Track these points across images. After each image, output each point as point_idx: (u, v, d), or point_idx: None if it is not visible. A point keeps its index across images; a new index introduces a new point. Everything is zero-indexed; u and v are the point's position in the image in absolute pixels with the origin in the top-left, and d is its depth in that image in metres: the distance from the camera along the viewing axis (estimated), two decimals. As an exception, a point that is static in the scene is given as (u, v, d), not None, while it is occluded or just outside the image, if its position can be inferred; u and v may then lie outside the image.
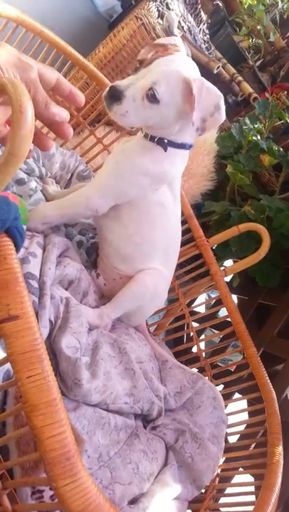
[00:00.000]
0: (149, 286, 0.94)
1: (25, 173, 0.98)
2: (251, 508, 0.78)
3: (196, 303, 1.40)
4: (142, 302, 0.96)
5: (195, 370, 1.12)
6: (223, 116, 0.78)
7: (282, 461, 0.89)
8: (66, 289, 0.88)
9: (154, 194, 0.89)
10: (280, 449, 0.91)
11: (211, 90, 0.76)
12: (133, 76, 0.77)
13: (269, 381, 1.03)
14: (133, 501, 0.74)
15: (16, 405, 0.45)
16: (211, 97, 0.76)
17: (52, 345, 0.76)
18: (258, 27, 2.28)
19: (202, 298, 1.43)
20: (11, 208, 0.39)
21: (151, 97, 0.75)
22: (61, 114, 0.56)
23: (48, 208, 0.91)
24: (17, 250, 0.44)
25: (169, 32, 1.46)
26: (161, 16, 1.53)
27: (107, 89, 0.77)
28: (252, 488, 0.90)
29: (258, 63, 2.45)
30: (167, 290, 1.02)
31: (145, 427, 0.90)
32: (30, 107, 0.37)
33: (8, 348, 0.42)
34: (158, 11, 1.51)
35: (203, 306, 1.41)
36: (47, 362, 0.44)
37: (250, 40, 2.38)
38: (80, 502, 0.41)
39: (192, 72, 0.78)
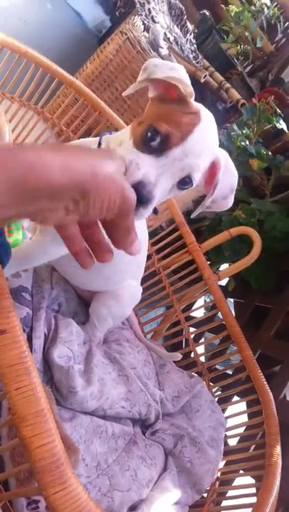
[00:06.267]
0: (126, 301, 0.96)
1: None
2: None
3: (194, 307, 1.41)
4: (121, 314, 1.00)
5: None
6: (232, 200, 0.67)
7: (280, 462, 0.89)
8: (58, 311, 0.91)
9: None
10: (278, 449, 0.92)
11: (231, 168, 0.64)
12: (157, 159, 0.55)
13: (266, 383, 1.04)
14: (133, 508, 0.76)
15: (6, 417, 0.47)
16: (230, 178, 0.64)
17: (45, 356, 0.78)
18: (246, 33, 2.32)
19: (201, 302, 1.45)
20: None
21: (185, 184, 0.58)
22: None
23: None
24: (2, 265, 0.46)
25: (154, 44, 1.49)
26: (147, 29, 1.56)
27: (132, 187, 0.47)
28: (253, 490, 0.91)
29: (247, 69, 2.48)
30: (140, 295, 1.04)
31: (144, 433, 0.92)
32: None
33: (-5, 361, 0.44)
34: (143, 24, 1.54)
35: (201, 310, 1.43)
36: (34, 374, 0.46)
37: (239, 47, 2.41)
38: (71, 509, 0.43)
39: (216, 139, 0.62)
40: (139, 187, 0.53)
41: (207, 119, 0.58)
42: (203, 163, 0.58)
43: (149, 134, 0.55)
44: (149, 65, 0.61)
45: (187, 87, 0.58)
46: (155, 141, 0.55)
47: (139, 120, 0.60)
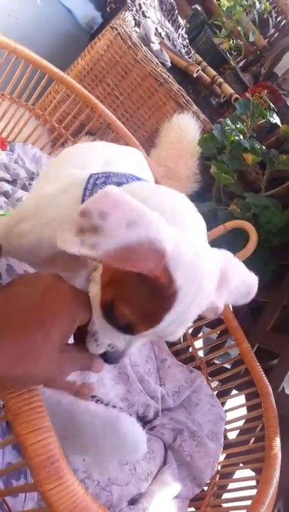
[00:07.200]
0: None
1: (8, 182, 1.01)
2: (252, 502, 0.79)
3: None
4: None
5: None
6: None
7: (280, 454, 0.89)
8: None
9: None
10: (277, 442, 0.92)
11: (243, 278, 0.50)
12: (124, 335, 0.44)
13: (264, 375, 1.04)
14: (133, 502, 0.76)
15: (1, 414, 0.46)
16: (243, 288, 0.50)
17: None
18: (238, 28, 2.31)
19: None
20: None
21: None
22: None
23: None
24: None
25: (146, 39, 1.48)
26: (137, 24, 1.55)
27: (98, 353, 0.46)
28: (253, 483, 0.91)
29: (241, 64, 2.48)
30: None
31: (143, 427, 0.91)
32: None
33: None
34: (134, 19, 1.53)
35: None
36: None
37: (231, 42, 2.40)
38: (67, 505, 0.42)
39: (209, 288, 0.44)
40: (104, 354, 0.46)
41: (186, 292, 0.40)
42: (184, 328, 0.44)
43: (110, 310, 0.43)
44: (90, 212, 0.37)
45: (157, 261, 0.38)
46: (118, 323, 0.43)
47: (109, 276, 0.43)
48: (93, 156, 0.60)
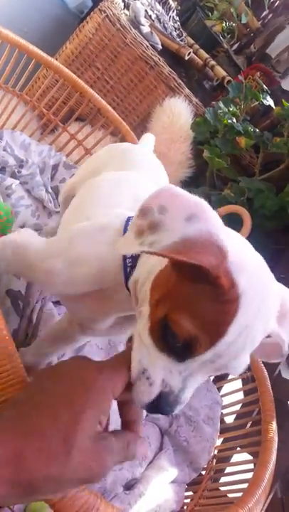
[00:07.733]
0: None
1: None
2: (249, 485, 0.79)
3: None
4: None
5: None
6: None
7: (276, 438, 0.90)
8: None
9: None
10: (273, 425, 0.92)
11: None
12: (180, 364, 0.40)
13: (259, 360, 1.03)
14: (129, 487, 0.76)
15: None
16: None
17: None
18: (231, 10, 2.27)
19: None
20: None
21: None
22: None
23: None
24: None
25: (135, 22, 1.45)
26: (127, 6, 1.52)
27: (153, 396, 0.40)
28: (250, 466, 0.91)
29: (235, 47, 2.44)
30: None
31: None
32: None
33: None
34: (123, 1, 1.50)
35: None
36: (16, 357, 0.45)
37: (224, 24, 2.36)
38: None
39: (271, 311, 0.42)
40: (158, 400, 0.40)
41: (250, 300, 0.37)
42: (246, 357, 0.40)
43: (164, 332, 0.39)
44: (151, 208, 0.37)
45: (219, 257, 0.36)
46: (174, 343, 0.39)
47: (158, 295, 0.41)
48: (124, 197, 0.60)
